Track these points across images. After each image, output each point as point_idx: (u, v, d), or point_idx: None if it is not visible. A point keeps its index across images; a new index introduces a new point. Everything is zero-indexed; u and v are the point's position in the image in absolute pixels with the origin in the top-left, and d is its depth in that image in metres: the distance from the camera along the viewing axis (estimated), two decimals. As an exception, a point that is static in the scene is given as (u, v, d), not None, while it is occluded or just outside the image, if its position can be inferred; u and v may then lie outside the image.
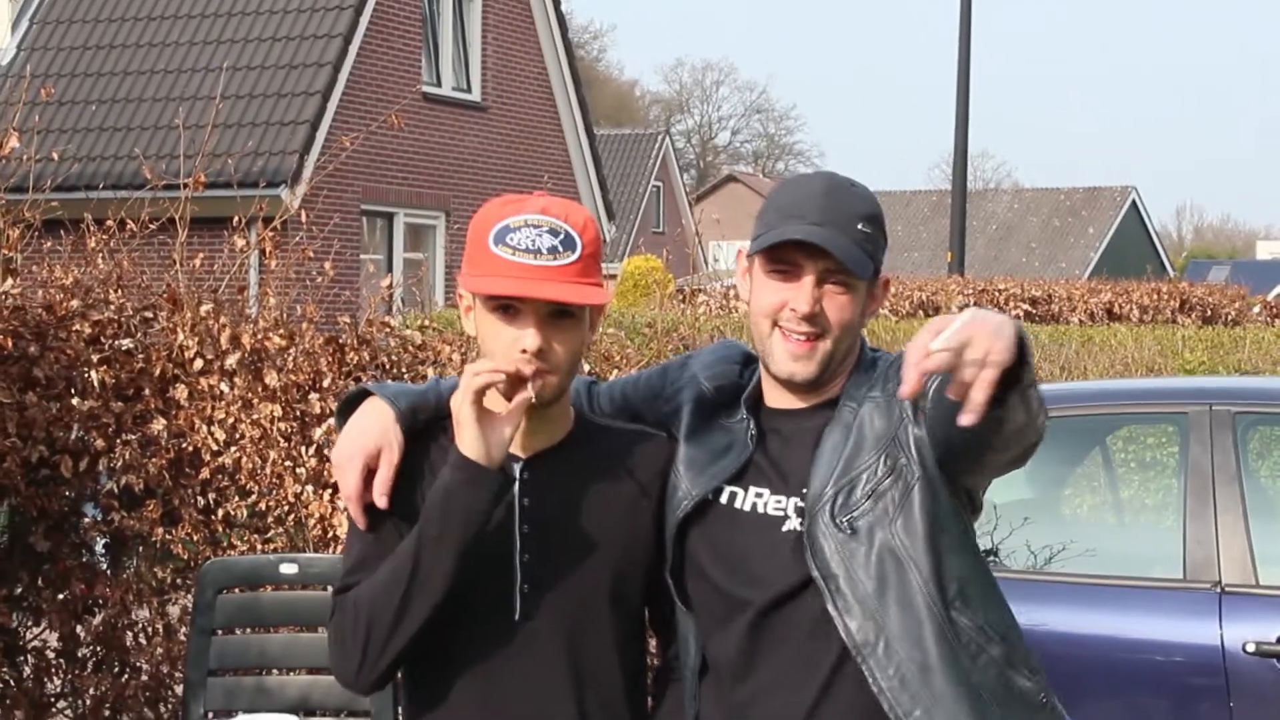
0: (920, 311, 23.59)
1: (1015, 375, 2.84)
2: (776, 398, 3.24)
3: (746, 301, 3.24)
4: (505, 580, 3.15)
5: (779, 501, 3.17)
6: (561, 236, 3.09)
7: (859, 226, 3.13)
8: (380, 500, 3.14)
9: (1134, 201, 60.52)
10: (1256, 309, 26.74)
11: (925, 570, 3.07)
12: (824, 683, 3.10)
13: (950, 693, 3.05)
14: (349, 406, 3.25)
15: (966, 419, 2.76)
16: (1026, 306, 24.43)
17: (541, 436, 3.20)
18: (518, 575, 3.15)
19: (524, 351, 3.06)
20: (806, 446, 3.18)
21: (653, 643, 3.44)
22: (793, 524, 3.15)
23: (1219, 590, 5.79)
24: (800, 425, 3.21)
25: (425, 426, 3.23)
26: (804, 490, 3.15)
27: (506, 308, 3.08)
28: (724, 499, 3.22)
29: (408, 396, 3.25)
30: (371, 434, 3.17)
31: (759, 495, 3.20)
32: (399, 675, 3.24)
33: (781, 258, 3.13)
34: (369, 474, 3.15)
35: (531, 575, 3.15)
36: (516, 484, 3.16)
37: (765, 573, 3.15)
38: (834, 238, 3.09)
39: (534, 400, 3.08)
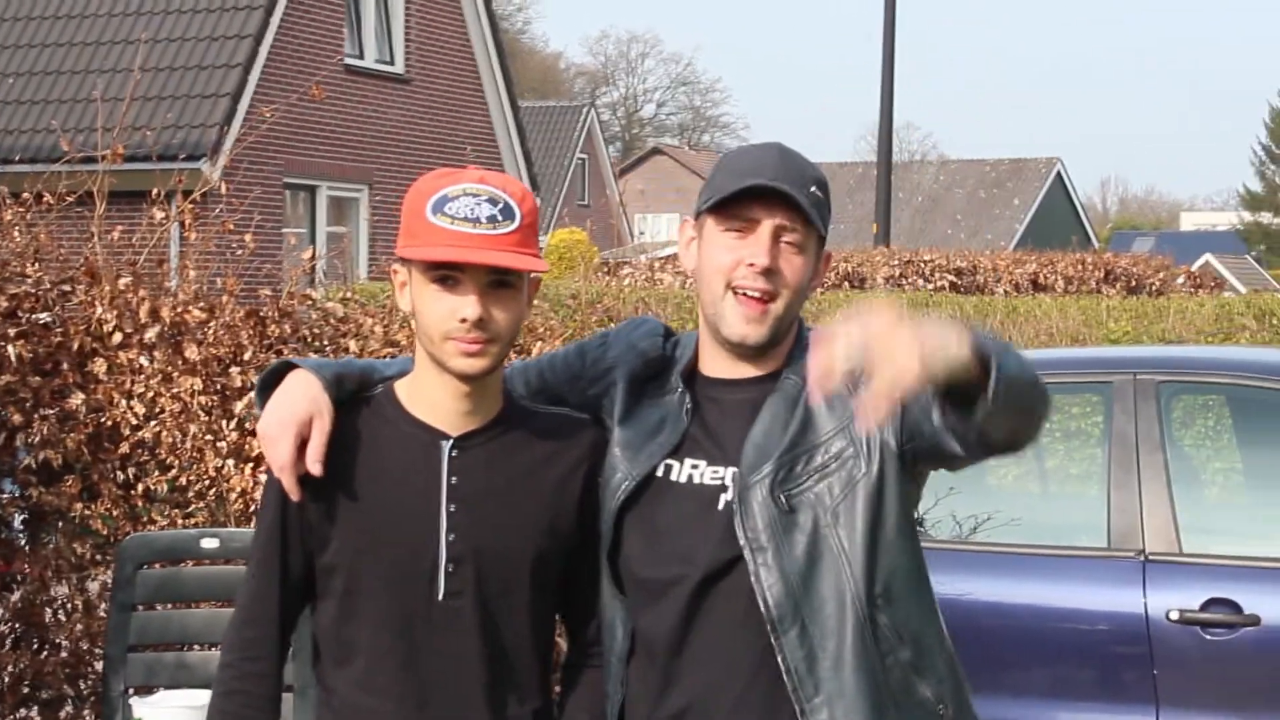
0: (846, 283, 23.61)
1: (979, 384, 2.80)
2: (717, 367, 3.22)
3: (690, 272, 3.23)
4: (430, 558, 3.12)
5: (716, 472, 3.15)
6: (500, 206, 3.07)
7: (812, 189, 3.15)
8: (315, 468, 3.11)
9: (1059, 173, 60.89)
10: (1181, 279, 26.91)
11: (858, 566, 3.07)
12: (758, 658, 3.08)
13: (855, 688, 3.04)
14: (270, 382, 3.22)
15: (859, 425, 2.76)
16: (952, 277, 24.50)
17: (473, 416, 3.16)
18: (443, 554, 3.12)
19: (463, 321, 3.04)
20: (746, 417, 3.16)
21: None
22: (731, 494, 3.13)
23: (1143, 559, 5.82)
24: (740, 396, 3.19)
25: (349, 397, 3.20)
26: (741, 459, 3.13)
27: (445, 278, 3.05)
28: (659, 472, 3.19)
29: (331, 367, 3.23)
30: (301, 403, 3.14)
31: (695, 467, 3.18)
32: (315, 644, 3.22)
33: (738, 214, 3.13)
34: (301, 444, 3.12)
35: (456, 554, 3.12)
36: (445, 461, 3.14)
37: (701, 546, 3.12)
38: (794, 190, 3.11)
39: (471, 372, 3.08)
